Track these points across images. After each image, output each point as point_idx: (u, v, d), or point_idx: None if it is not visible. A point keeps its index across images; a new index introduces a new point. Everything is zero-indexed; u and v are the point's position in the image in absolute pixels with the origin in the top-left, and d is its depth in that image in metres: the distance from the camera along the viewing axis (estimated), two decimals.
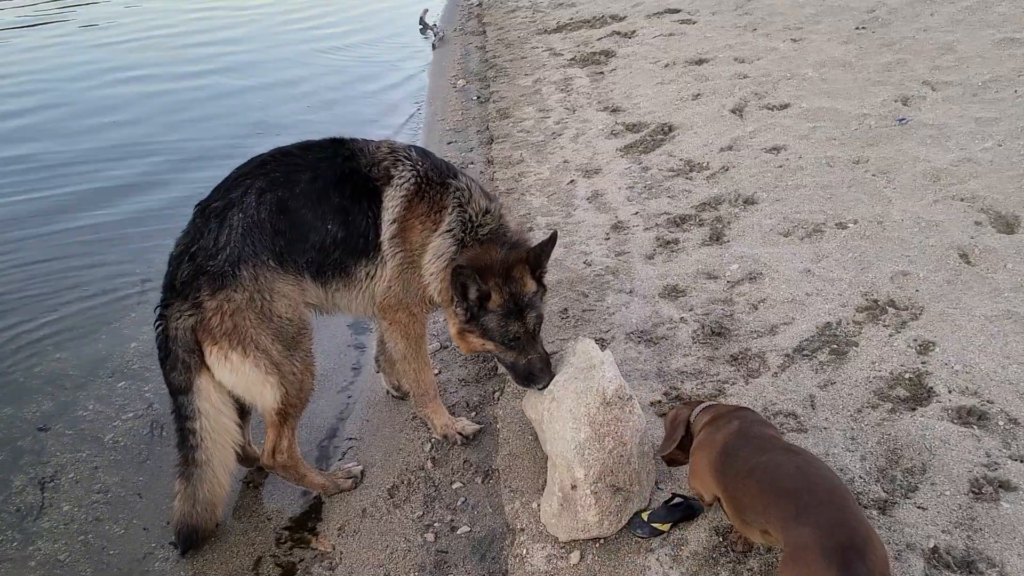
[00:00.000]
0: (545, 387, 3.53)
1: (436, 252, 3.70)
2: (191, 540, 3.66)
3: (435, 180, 3.74)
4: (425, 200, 3.70)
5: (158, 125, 10.47)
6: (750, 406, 3.50)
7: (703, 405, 3.22)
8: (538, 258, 3.60)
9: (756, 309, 4.63)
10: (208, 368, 3.45)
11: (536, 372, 3.58)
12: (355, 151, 3.73)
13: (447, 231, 3.70)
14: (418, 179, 3.70)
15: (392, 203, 3.65)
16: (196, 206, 3.59)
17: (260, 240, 3.45)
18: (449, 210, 3.72)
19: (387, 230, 3.65)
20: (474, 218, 3.73)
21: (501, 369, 4.59)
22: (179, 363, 3.44)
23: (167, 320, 3.44)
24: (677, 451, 3.18)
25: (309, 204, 3.56)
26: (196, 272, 3.39)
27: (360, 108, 11.23)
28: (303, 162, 3.65)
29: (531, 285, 3.60)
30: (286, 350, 3.53)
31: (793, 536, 2.41)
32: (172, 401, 3.55)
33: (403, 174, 3.69)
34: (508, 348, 3.61)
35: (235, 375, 3.45)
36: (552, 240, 3.65)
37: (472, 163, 8.45)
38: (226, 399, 3.55)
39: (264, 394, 3.53)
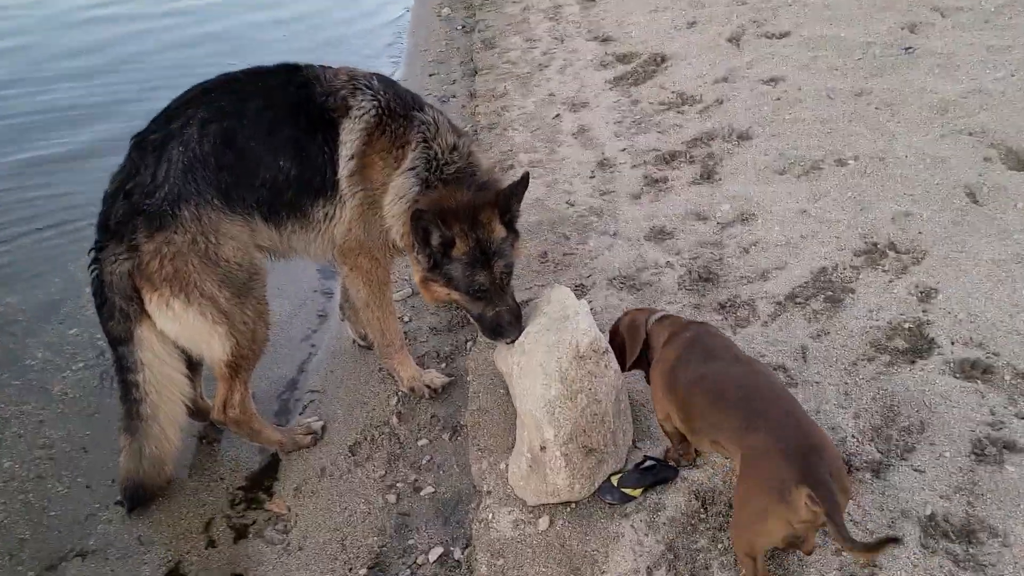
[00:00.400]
0: (514, 341, 3.26)
1: (398, 192, 3.36)
2: (137, 498, 3.43)
3: (398, 112, 3.39)
4: (387, 134, 3.36)
5: (124, 48, 9.95)
6: None
7: (659, 314, 3.18)
8: (508, 201, 3.27)
9: (747, 253, 4.32)
10: (149, 317, 3.17)
11: (504, 325, 3.29)
12: (310, 78, 3.37)
13: (410, 169, 3.36)
14: (379, 110, 3.35)
15: (350, 137, 3.31)
16: (132, 138, 3.25)
17: (203, 177, 3.12)
18: (412, 146, 3.37)
19: (345, 167, 3.32)
20: (440, 155, 3.39)
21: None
22: (117, 311, 3.16)
23: (102, 264, 3.14)
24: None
25: (258, 137, 3.21)
26: (132, 211, 3.08)
27: (340, 35, 10.72)
28: (252, 90, 3.29)
29: (500, 231, 3.27)
30: (235, 297, 3.24)
31: (748, 444, 2.44)
32: (112, 352, 3.29)
33: (362, 104, 3.34)
34: (475, 299, 3.31)
35: (178, 324, 3.17)
36: (524, 181, 3.31)
37: (454, 96, 8.06)
38: (171, 349, 3.28)
39: (212, 345, 3.26)
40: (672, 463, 3.08)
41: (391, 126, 3.36)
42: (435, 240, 3.18)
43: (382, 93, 3.39)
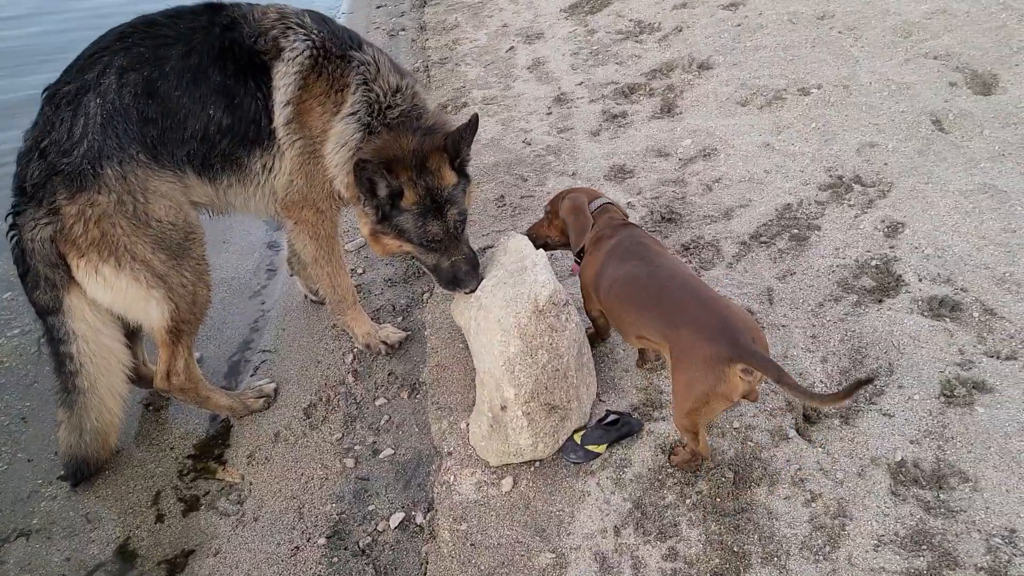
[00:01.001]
0: (473, 291, 3.12)
1: (339, 139, 3.13)
2: (81, 473, 3.26)
3: (334, 53, 3.12)
4: (323, 77, 3.10)
5: None
6: None
7: (601, 201, 3.23)
8: (457, 145, 3.05)
9: (710, 190, 4.18)
10: (78, 284, 2.95)
11: (461, 276, 3.14)
12: (235, 18, 3.07)
13: (351, 114, 3.11)
14: (314, 51, 3.08)
15: (284, 81, 3.05)
16: (44, 90, 2.96)
17: (125, 131, 2.86)
18: (352, 89, 3.12)
19: (280, 114, 3.07)
20: (382, 97, 3.14)
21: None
22: (42, 280, 2.93)
23: (21, 230, 2.90)
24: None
25: (183, 85, 2.94)
26: (49, 171, 2.82)
27: None
28: (172, 33, 2.99)
29: (450, 177, 3.07)
30: (171, 259, 3.02)
31: (674, 339, 2.56)
32: (42, 323, 3.06)
33: (295, 46, 3.06)
34: (429, 250, 3.14)
35: (110, 292, 2.96)
36: (473, 124, 3.09)
37: (403, 29, 7.70)
38: (105, 317, 3.07)
39: (149, 311, 3.06)
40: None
41: (327, 68, 3.10)
42: (382, 191, 2.98)
43: (316, 32, 3.12)
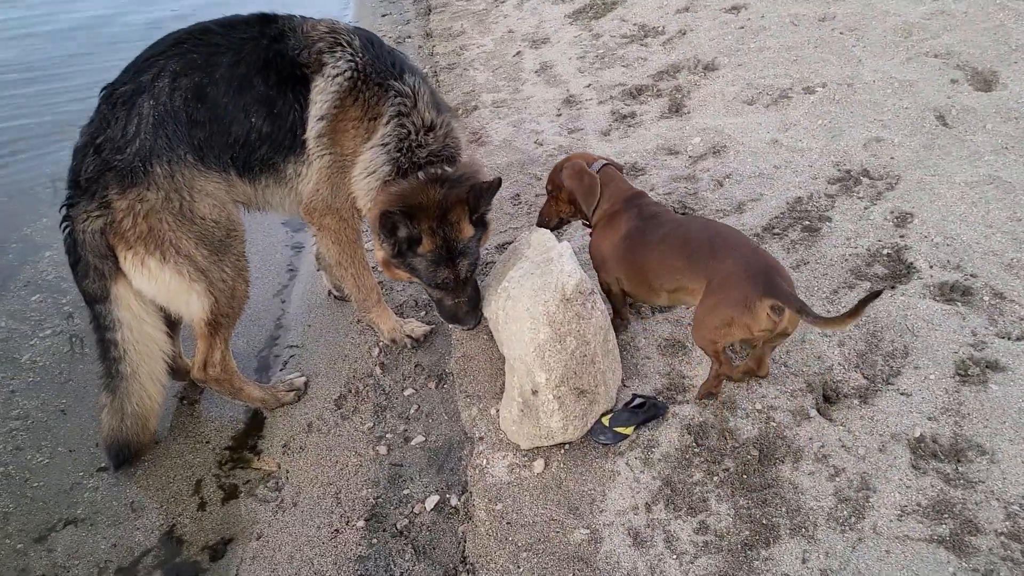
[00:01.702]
0: (471, 328, 3.49)
1: (367, 167, 3.25)
2: (122, 456, 3.37)
3: (373, 79, 3.21)
4: (359, 102, 3.20)
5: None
6: None
7: (600, 163, 3.45)
8: (478, 200, 3.19)
9: (721, 186, 4.31)
10: (125, 275, 3.08)
11: (462, 315, 3.43)
12: (284, 31, 3.20)
13: (380, 145, 3.23)
14: (354, 74, 3.18)
15: (320, 96, 3.17)
16: (102, 90, 3.10)
17: (175, 132, 3.00)
18: (385, 120, 3.23)
19: (313, 127, 3.19)
20: (414, 135, 3.25)
21: None
22: (91, 270, 3.06)
23: (73, 222, 3.02)
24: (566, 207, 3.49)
25: (230, 93, 3.08)
26: (102, 167, 2.95)
27: None
28: (224, 42, 3.13)
29: (468, 230, 3.23)
30: (213, 255, 3.15)
31: (716, 272, 2.84)
32: (89, 310, 3.19)
33: (338, 64, 3.18)
34: (436, 288, 3.37)
35: (155, 283, 3.08)
36: (496, 184, 3.23)
37: (409, 36, 7.83)
38: (149, 307, 3.20)
39: (190, 304, 3.18)
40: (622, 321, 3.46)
41: (364, 94, 3.21)
42: (402, 234, 3.15)
43: (361, 54, 3.22)
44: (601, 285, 3.46)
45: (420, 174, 3.24)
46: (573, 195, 3.42)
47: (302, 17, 3.29)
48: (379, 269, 3.56)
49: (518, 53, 6.71)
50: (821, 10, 5.89)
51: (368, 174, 3.26)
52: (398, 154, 3.24)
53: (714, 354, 2.92)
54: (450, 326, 3.60)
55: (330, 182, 3.32)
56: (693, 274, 2.96)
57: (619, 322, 3.48)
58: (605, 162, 3.46)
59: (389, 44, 3.51)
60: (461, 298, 3.40)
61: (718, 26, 6.08)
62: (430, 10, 8.28)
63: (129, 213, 2.93)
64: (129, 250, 2.98)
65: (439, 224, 3.17)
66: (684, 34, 6.14)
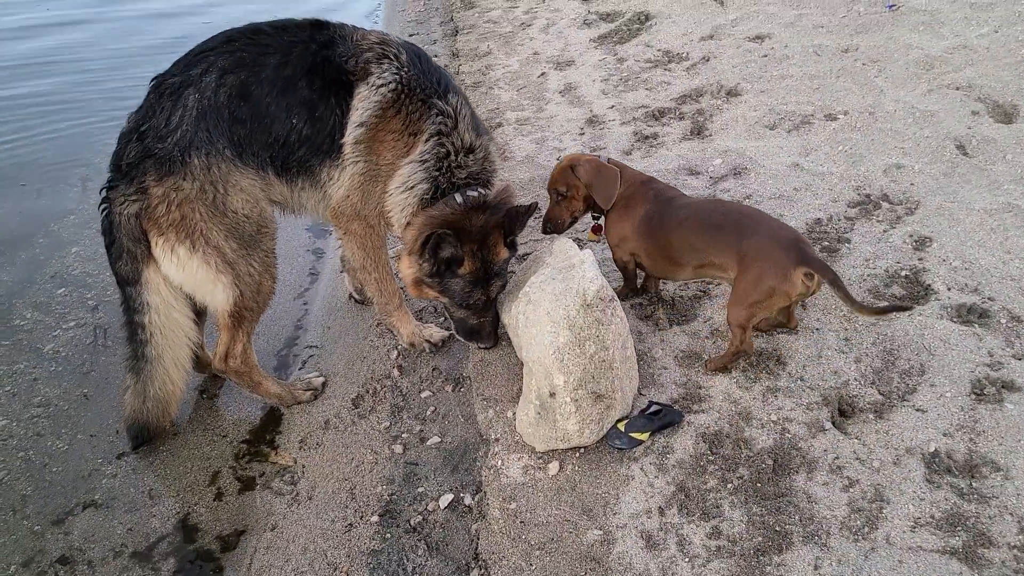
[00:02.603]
0: (489, 348, 3.62)
1: (404, 182, 3.32)
2: (141, 436, 3.47)
3: (417, 95, 3.27)
4: (401, 115, 3.26)
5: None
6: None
7: (604, 156, 3.69)
8: (513, 224, 3.32)
9: None
10: (156, 260, 3.15)
11: (483, 334, 3.55)
12: (334, 37, 3.27)
13: (419, 161, 3.30)
14: (399, 86, 3.24)
15: (362, 103, 3.22)
16: (152, 80, 3.19)
17: (216, 126, 3.08)
18: (425, 137, 3.29)
19: (351, 132, 3.24)
20: (452, 155, 3.32)
21: None
22: (125, 252, 3.14)
23: (112, 204, 3.11)
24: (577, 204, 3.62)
25: (274, 93, 3.15)
26: (143, 154, 3.04)
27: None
28: (274, 44, 3.20)
29: (503, 252, 3.36)
30: (242, 248, 3.21)
31: (748, 246, 3.05)
32: (120, 292, 3.27)
33: (384, 76, 3.23)
34: (464, 308, 3.47)
35: (182, 271, 3.16)
36: (532, 209, 3.37)
37: (436, 56, 7.95)
38: (178, 293, 3.27)
39: (215, 294, 3.25)
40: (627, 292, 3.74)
41: (407, 107, 3.26)
42: (445, 254, 3.23)
43: (407, 68, 3.28)
44: (616, 262, 3.71)
45: (458, 196, 3.31)
46: (589, 190, 3.52)
47: (353, 27, 3.37)
48: (400, 278, 3.61)
49: (543, 74, 6.81)
50: (844, 42, 5.97)
51: (406, 189, 3.32)
52: (437, 173, 3.31)
53: (744, 329, 3.10)
54: (468, 343, 3.70)
55: (361, 189, 3.38)
56: (721, 251, 3.15)
57: (626, 291, 3.78)
58: (609, 158, 3.64)
59: None
60: (485, 318, 3.50)
61: (742, 54, 6.17)
62: (457, 31, 8.43)
63: (164, 200, 3.01)
64: (161, 236, 3.06)
65: (479, 248, 3.27)
66: (708, 60, 6.23)
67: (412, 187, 3.32)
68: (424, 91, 3.29)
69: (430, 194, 3.32)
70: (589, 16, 7.87)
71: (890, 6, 6.32)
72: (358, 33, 3.33)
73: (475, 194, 3.34)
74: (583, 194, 3.56)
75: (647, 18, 7.41)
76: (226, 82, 3.09)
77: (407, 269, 3.42)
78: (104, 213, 3.13)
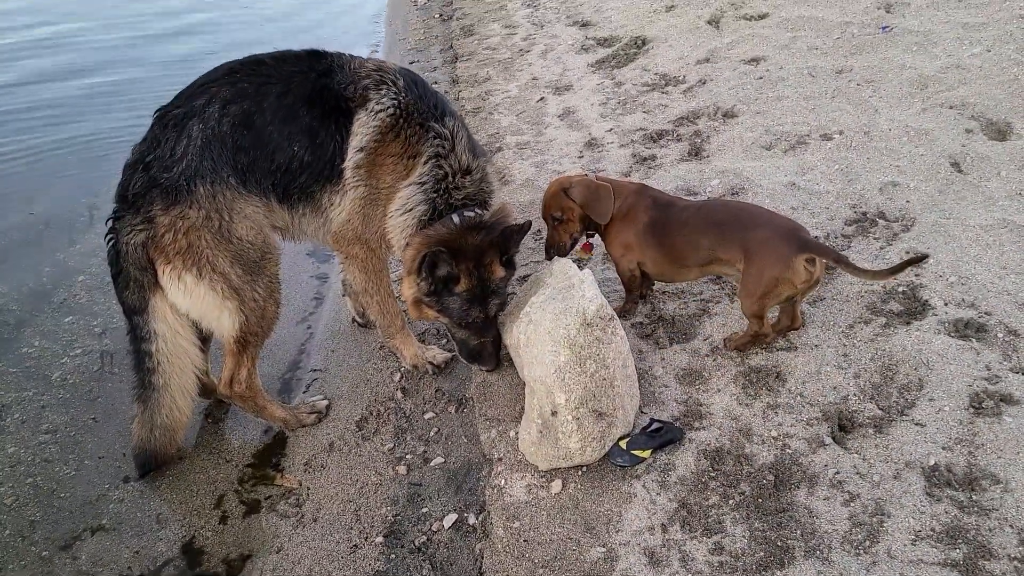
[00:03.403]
0: (491, 370, 3.63)
1: (403, 205, 3.39)
2: (148, 465, 3.50)
3: (415, 118, 3.35)
4: (400, 139, 3.34)
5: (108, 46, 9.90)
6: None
7: (592, 174, 3.76)
8: (508, 242, 3.36)
9: None
10: (162, 288, 3.20)
11: (485, 355, 3.56)
12: (332, 66, 3.35)
13: (418, 184, 3.37)
14: (397, 111, 3.32)
15: (362, 129, 3.30)
16: (156, 111, 3.26)
17: (220, 155, 3.14)
18: (423, 159, 3.36)
19: (352, 157, 3.31)
20: (450, 177, 3.39)
21: None
22: (131, 281, 3.19)
23: (118, 234, 3.17)
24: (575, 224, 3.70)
25: (276, 122, 3.22)
26: (149, 184, 3.10)
27: (318, 27, 10.73)
28: (275, 74, 3.28)
29: (500, 271, 3.40)
30: (247, 274, 3.26)
31: (751, 240, 3.19)
32: (127, 321, 3.31)
33: (382, 101, 3.31)
34: (463, 328, 3.49)
35: (189, 298, 3.20)
36: (526, 228, 3.40)
37: (436, 82, 8.05)
38: (184, 321, 3.31)
39: (221, 320, 3.29)
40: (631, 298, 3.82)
41: (406, 131, 3.33)
42: (441, 272, 3.28)
43: (405, 93, 3.35)
44: (621, 274, 3.77)
45: (455, 216, 3.37)
46: (585, 209, 3.59)
47: (351, 55, 3.44)
48: (402, 300, 3.65)
49: (542, 99, 6.90)
50: (838, 63, 6.04)
51: (404, 212, 3.38)
52: (435, 195, 3.37)
53: (760, 318, 3.30)
54: (472, 368, 3.72)
55: (362, 213, 3.43)
56: (727, 247, 3.28)
57: (630, 306, 3.84)
58: (596, 174, 3.77)
59: None
60: (485, 338, 3.52)
61: (737, 76, 6.24)
62: (457, 58, 8.53)
63: (171, 229, 3.06)
64: (168, 264, 3.11)
65: (475, 266, 3.31)
66: (704, 83, 6.31)
67: (411, 209, 3.38)
68: (422, 115, 3.36)
69: (428, 215, 3.38)
70: (587, 41, 7.97)
71: (884, 28, 6.41)
72: (355, 61, 3.41)
73: (471, 214, 3.40)
74: (579, 215, 3.63)
75: (644, 43, 7.51)
76: (229, 112, 3.15)
77: (407, 290, 3.47)
78: (110, 243, 3.18)
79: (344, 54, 3.44)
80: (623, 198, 3.61)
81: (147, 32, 10.56)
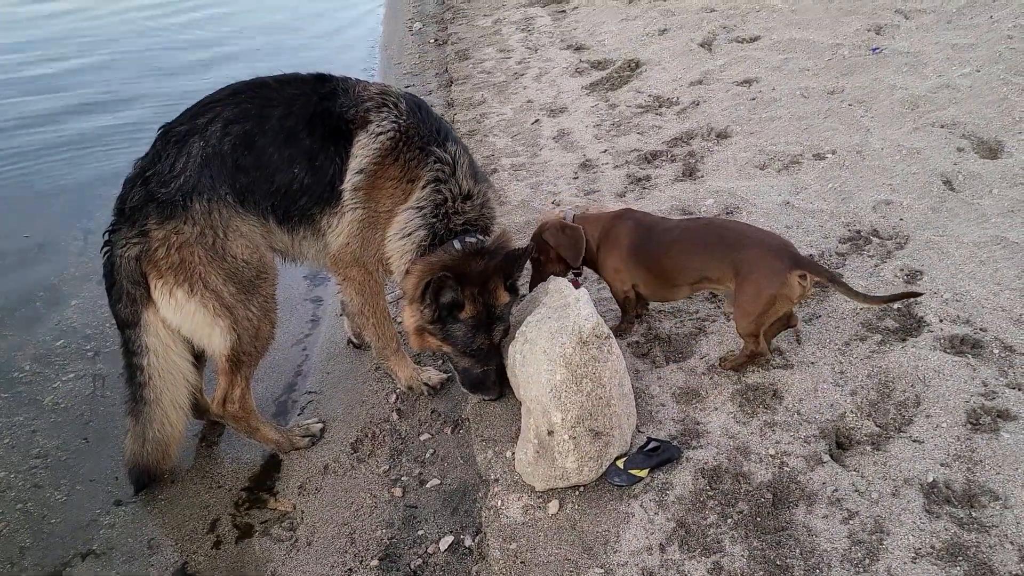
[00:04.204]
0: (494, 399, 3.53)
1: (402, 229, 3.35)
2: (142, 480, 3.48)
3: (415, 142, 3.34)
4: (399, 162, 3.33)
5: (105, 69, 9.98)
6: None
7: (570, 211, 3.78)
8: (512, 267, 3.33)
9: None
10: (155, 302, 3.18)
11: (488, 384, 3.47)
12: (336, 90, 3.36)
13: (416, 208, 3.34)
14: (397, 135, 3.31)
15: (362, 151, 3.30)
16: (159, 128, 3.28)
17: (219, 173, 3.15)
18: (422, 184, 3.34)
19: (351, 179, 3.31)
20: (450, 202, 3.36)
21: None
22: (125, 294, 3.18)
23: (113, 247, 3.17)
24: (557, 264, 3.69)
25: (277, 144, 3.22)
26: (146, 198, 3.11)
27: (314, 51, 10.81)
28: (277, 96, 3.30)
29: (504, 297, 3.34)
30: (241, 293, 3.24)
31: (742, 259, 3.20)
32: (120, 334, 3.30)
33: (383, 124, 3.31)
34: (466, 356, 3.41)
35: (180, 313, 3.18)
36: (528, 252, 3.39)
37: (432, 106, 8.07)
38: (177, 335, 3.29)
39: (212, 337, 3.26)
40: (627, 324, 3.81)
41: (405, 155, 3.32)
42: (446, 299, 3.21)
43: (406, 117, 3.35)
44: (615, 295, 3.77)
45: (456, 243, 3.32)
46: (559, 251, 3.62)
47: (356, 79, 3.45)
48: (402, 329, 3.61)
49: (536, 121, 6.93)
50: (830, 84, 6.09)
51: (403, 236, 3.35)
52: (434, 219, 3.33)
53: (756, 338, 3.28)
54: (472, 396, 3.62)
55: (360, 236, 3.42)
56: (716, 267, 3.29)
57: (626, 326, 3.82)
58: (577, 207, 3.78)
59: None
60: (489, 367, 3.43)
61: (730, 97, 6.29)
62: (452, 82, 8.58)
63: (164, 243, 3.06)
64: (160, 279, 3.10)
65: (480, 291, 3.25)
66: (697, 104, 6.35)
67: (410, 234, 3.34)
68: (422, 139, 3.35)
69: (428, 241, 3.34)
70: (581, 64, 8.03)
71: (874, 49, 6.47)
72: (360, 85, 3.41)
73: (473, 240, 3.36)
74: (555, 255, 3.66)
75: (637, 65, 7.57)
76: (231, 132, 3.16)
77: (409, 319, 3.39)
78: (106, 256, 3.18)
79: (350, 78, 3.45)
80: (602, 227, 3.64)
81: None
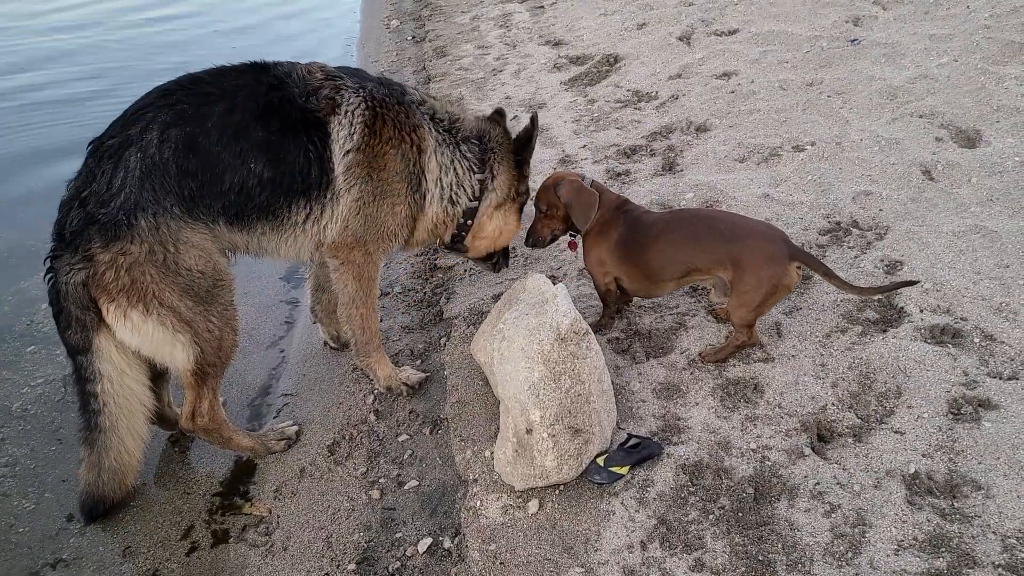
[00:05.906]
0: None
1: (441, 169, 3.57)
2: (95, 510, 3.33)
3: (390, 101, 3.39)
4: (389, 123, 3.34)
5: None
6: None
7: (590, 179, 3.71)
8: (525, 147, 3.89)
9: None
10: (107, 327, 3.05)
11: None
12: (282, 78, 3.24)
13: (441, 145, 3.54)
14: (369, 102, 3.30)
15: (343, 132, 3.23)
16: (89, 144, 3.09)
17: (163, 185, 2.97)
18: (425, 128, 3.46)
19: (342, 161, 3.24)
20: (448, 125, 3.58)
21: (447, 314, 4.30)
22: (73, 321, 3.02)
23: (57, 273, 3.01)
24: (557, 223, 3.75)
25: (224, 141, 3.06)
26: (87, 221, 2.93)
27: (289, 47, 10.70)
28: (216, 91, 3.12)
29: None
30: (198, 305, 3.12)
31: (737, 251, 3.20)
32: (71, 362, 3.16)
33: (351, 100, 3.27)
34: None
35: (138, 335, 3.05)
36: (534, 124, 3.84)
37: None
38: (131, 360, 3.16)
39: (174, 354, 3.15)
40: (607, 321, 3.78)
41: (390, 114, 3.35)
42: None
43: (364, 87, 3.33)
44: (597, 289, 3.75)
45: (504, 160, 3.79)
46: (568, 210, 3.57)
47: (291, 63, 3.33)
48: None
49: (515, 118, 6.85)
50: (809, 76, 6.07)
51: (450, 171, 3.58)
52: (456, 143, 3.58)
53: (751, 328, 3.32)
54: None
55: (363, 212, 3.36)
56: (708, 258, 3.29)
57: (606, 321, 3.78)
58: (593, 180, 3.71)
59: None
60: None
61: (709, 91, 6.25)
62: (430, 79, 8.49)
63: (112, 266, 2.92)
64: (112, 302, 2.97)
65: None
66: (676, 99, 6.31)
67: (455, 167, 3.59)
68: (391, 97, 3.41)
69: (473, 155, 3.63)
70: (559, 60, 7.97)
71: (852, 41, 6.46)
72: (300, 69, 3.30)
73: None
74: (562, 214, 3.63)
75: (616, 60, 7.52)
76: (169, 137, 2.99)
77: (508, 209, 3.90)
78: (50, 283, 3.04)
79: (284, 62, 3.32)
80: (604, 210, 3.59)
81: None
